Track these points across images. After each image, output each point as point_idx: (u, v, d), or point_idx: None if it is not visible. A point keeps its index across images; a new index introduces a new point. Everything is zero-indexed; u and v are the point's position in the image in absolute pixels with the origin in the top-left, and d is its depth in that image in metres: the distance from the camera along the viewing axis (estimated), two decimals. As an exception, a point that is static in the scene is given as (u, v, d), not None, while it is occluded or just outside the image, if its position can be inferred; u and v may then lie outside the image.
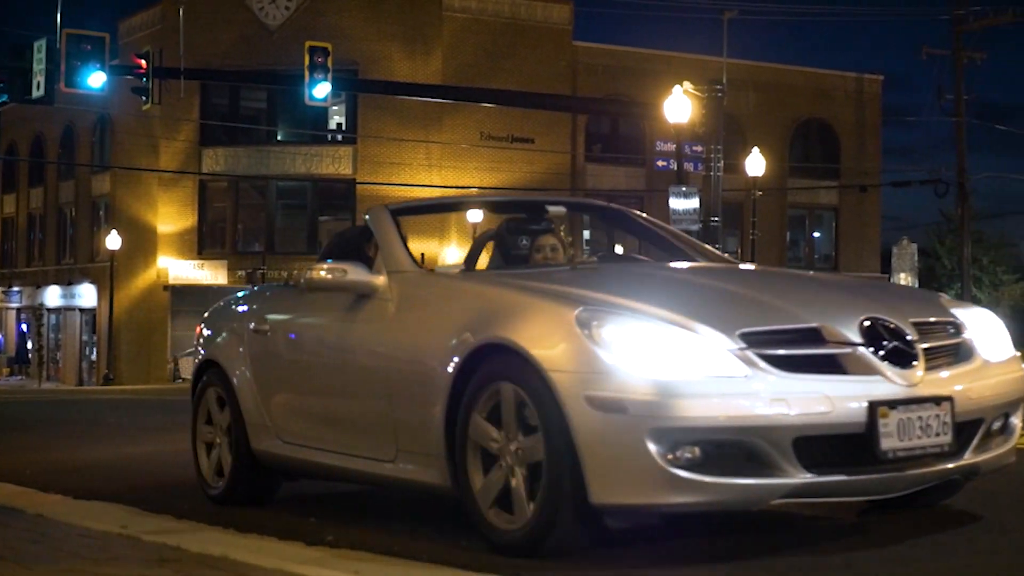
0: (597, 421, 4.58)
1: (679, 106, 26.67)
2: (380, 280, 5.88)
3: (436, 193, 42.61)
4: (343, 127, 44.71)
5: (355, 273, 5.90)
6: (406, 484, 5.63)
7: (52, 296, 53.17)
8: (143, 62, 26.88)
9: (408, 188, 42.38)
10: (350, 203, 43.36)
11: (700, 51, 46.28)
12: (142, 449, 10.98)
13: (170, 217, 43.96)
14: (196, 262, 43.96)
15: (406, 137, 41.94)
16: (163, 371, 44.11)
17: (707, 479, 4.52)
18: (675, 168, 28.28)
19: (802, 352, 4.73)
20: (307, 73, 28.09)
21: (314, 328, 6.42)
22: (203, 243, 44.33)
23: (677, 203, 26.21)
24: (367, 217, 6.48)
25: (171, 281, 43.83)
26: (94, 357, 49.15)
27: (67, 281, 51.54)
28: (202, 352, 7.28)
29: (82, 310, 50.51)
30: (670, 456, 4.51)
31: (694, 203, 26.22)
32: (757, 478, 4.57)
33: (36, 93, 26.51)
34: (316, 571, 4.39)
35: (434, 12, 43.57)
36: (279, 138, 44.56)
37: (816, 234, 51.55)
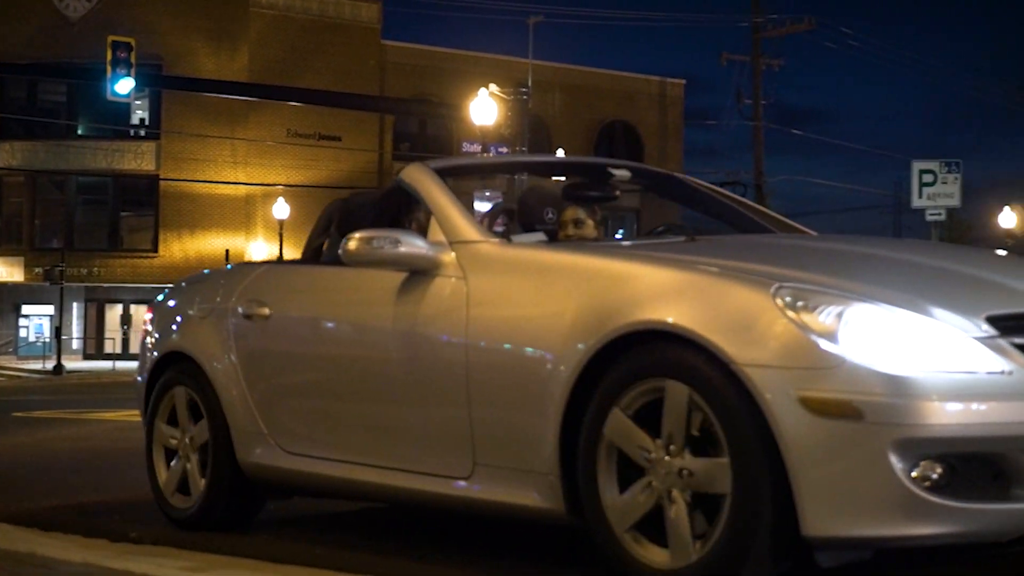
0: (819, 430, 3.53)
1: (485, 108, 26.94)
2: (447, 254, 4.72)
3: (242, 191, 42.26)
4: (146, 122, 43.89)
5: (410, 244, 4.73)
6: (484, 506, 4.49)
7: None
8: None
9: (213, 185, 41.95)
10: (153, 199, 42.70)
11: (508, 53, 46.75)
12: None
13: (-36, 212, 42.62)
14: (-9, 259, 42.67)
15: (211, 133, 41.40)
16: (-44, 371, 42.66)
17: (958, 504, 3.52)
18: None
19: None
20: (109, 68, 27.62)
21: (344, 313, 5.21)
22: (-1, 239, 43.07)
23: (481, 205, 26.49)
24: (402, 179, 5.23)
25: (-35, 278, 42.48)
26: None
27: None
28: (159, 342, 6.12)
29: None
30: (914, 475, 3.52)
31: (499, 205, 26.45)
32: (1011, 502, 3.58)
33: None
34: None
35: (241, 8, 43.08)
36: (80, 132, 43.51)
37: (618, 235, 52.41)
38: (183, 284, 6.51)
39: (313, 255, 5.90)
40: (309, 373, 5.29)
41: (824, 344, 3.58)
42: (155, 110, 42.95)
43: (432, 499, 4.72)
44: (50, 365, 42.01)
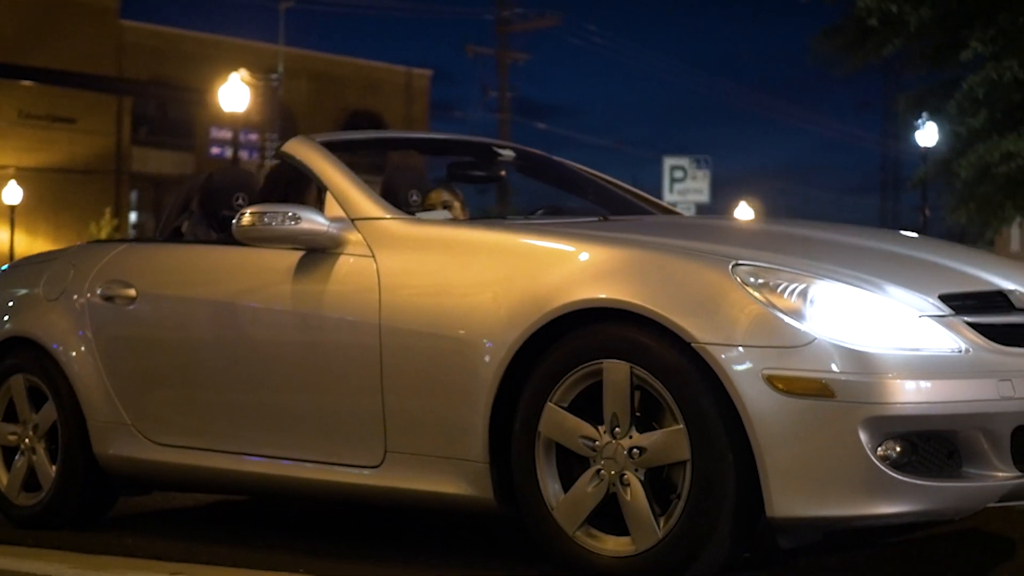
0: (787, 409, 3.48)
1: (236, 94, 26.33)
2: (351, 232, 4.44)
3: (-31, 173, 40.28)
4: None
5: (311, 220, 4.42)
6: (397, 495, 4.28)
7: None
8: None
9: (-62, 166, 39.84)
10: None
11: (254, 38, 45.89)
12: None
13: None
14: None
15: (-66, 113, 39.34)
16: None
17: (919, 482, 3.53)
18: (230, 155, 27.92)
19: (1014, 321, 3.81)
20: None
21: (228, 295, 4.79)
22: None
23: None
24: (288, 154, 4.89)
25: None
26: None
27: None
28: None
29: None
30: (880, 453, 3.51)
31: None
32: (969, 480, 3.62)
33: None
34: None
35: (-32, -20, 41.04)
36: None
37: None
38: (17, 267, 6.08)
39: (172, 235, 5.51)
40: (185, 358, 4.88)
41: (791, 322, 3.54)
42: None
43: (336, 489, 4.44)
44: None
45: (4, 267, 6.28)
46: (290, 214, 4.41)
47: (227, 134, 28.40)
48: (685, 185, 23.41)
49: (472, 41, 47.05)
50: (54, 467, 5.24)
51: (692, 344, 3.57)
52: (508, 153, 5.69)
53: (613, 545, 3.74)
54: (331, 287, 4.42)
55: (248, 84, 26.92)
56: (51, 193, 40.63)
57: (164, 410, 4.99)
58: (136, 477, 5.17)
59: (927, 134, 30.77)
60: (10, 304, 5.63)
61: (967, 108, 15.90)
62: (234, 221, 4.54)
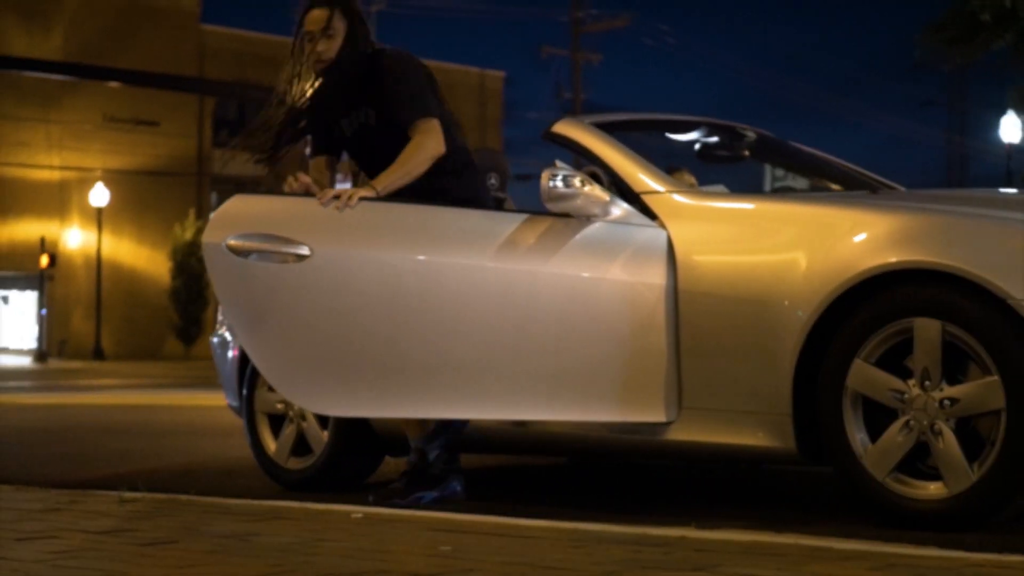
0: None
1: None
2: (634, 204, 4.70)
3: (56, 176, 40.97)
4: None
5: (597, 189, 4.61)
6: (697, 449, 4.53)
7: None
8: None
9: (28, 168, 40.55)
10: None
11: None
12: None
13: None
14: None
15: (24, 116, 40.01)
16: None
17: None
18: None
19: None
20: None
21: (509, 262, 4.66)
22: None
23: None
24: (559, 134, 5.08)
25: None
26: None
27: None
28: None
29: None
30: None
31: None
32: None
33: None
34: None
35: (54, -14, 41.74)
36: None
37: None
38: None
39: None
40: (441, 322, 4.70)
41: None
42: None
43: (629, 446, 4.72)
44: None
45: None
46: (579, 180, 4.55)
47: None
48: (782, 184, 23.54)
49: (544, 42, 47.41)
50: (325, 432, 5.50)
51: (1007, 300, 3.87)
52: (751, 135, 5.96)
53: (924, 490, 4.03)
54: (615, 254, 4.59)
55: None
56: (136, 195, 41.29)
57: (414, 372, 4.78)
58: (404, 438, 5.21)
59: (1012, 129, 30.84)
60: None
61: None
62: (543, 184, 4.55)
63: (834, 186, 5.87)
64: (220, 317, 6.35)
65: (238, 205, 4.96)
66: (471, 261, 4.68)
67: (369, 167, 5.09)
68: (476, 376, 4.67)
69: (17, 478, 5.86)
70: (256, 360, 4.86)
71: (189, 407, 13.18)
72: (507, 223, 4.73)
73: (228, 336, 6.20)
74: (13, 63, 35.50)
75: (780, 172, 6.35)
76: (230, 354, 6.14)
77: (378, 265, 4.71)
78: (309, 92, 5.02)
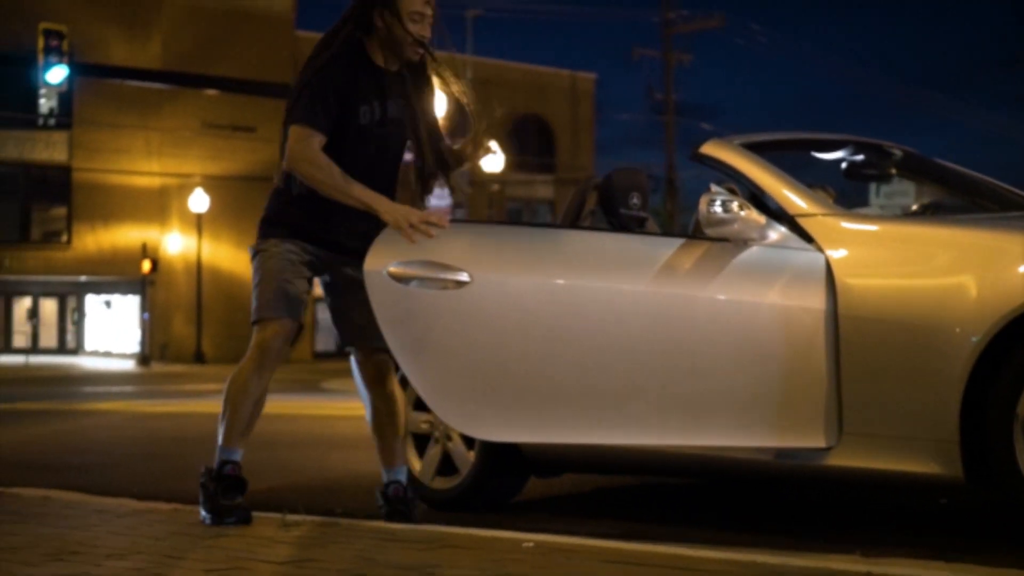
0: None
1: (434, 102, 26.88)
2: (788, 226, 4.73)
3: (156, 182, 41.61)
4: (55, 111, 42.93)
5: (752, 213, 4.66)
6: (856, 476, 4.50)
7: None
8: None
9: (128, 175, 41.23)
10: (65, 191, 41.77)
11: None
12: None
13: None
14: None
15: (125, 123, 40.67)
16: None
17: None
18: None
19: None
20: (41, 56, 27.17)
21: (652, 286, 4.70)
22: (-97, 230, 41.85)
23: (433, 199, 26.42)
24: (709, 155, 5.15)
25: None
26: None
27: None
28: None
29: None
30: None
31: (446, 200, 26.49)
32: None
33: None
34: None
35: (153, -5, 42.40)
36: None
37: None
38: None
39: None
40: (596, 347, 4.73)
41: None
42: (66, 99, 42.03)
43: (783, 470, 4.68)
44: (-41, 359, 41.07)
45: None
46: (736, 204, 4.63)
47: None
48: (891, 188, 23.32)
49: (636, 43, 47.29)
50: (471, 452, 5.58)
51: None
52: (897, 153, 5.92)
53: None
54: (770, 278, 4.59)
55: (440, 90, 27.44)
56: (234, 200, 41.79)
57: (573, 396, 4.83)
58: (552, 459, 5.43)
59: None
60: None
61: None
62: (700, 211, 4.65)
63: (986, 205, 5.79)
64: None
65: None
66: (627, 286, 4.73)
67: (373, 162, 4.88)
68: (635, 400, 4.69)
69: (155, 493, 6.01)
70: (416, 384, 4.88)
71: (304, 416, 13.33)
72: (664, 247, 4.78)
73: None
74: (114, 72, 36.06)
75: (925, 190, 6.14)
76: None
77: (536, 290, 4.77)
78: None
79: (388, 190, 4.89)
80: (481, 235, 4.95)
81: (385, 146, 4.91)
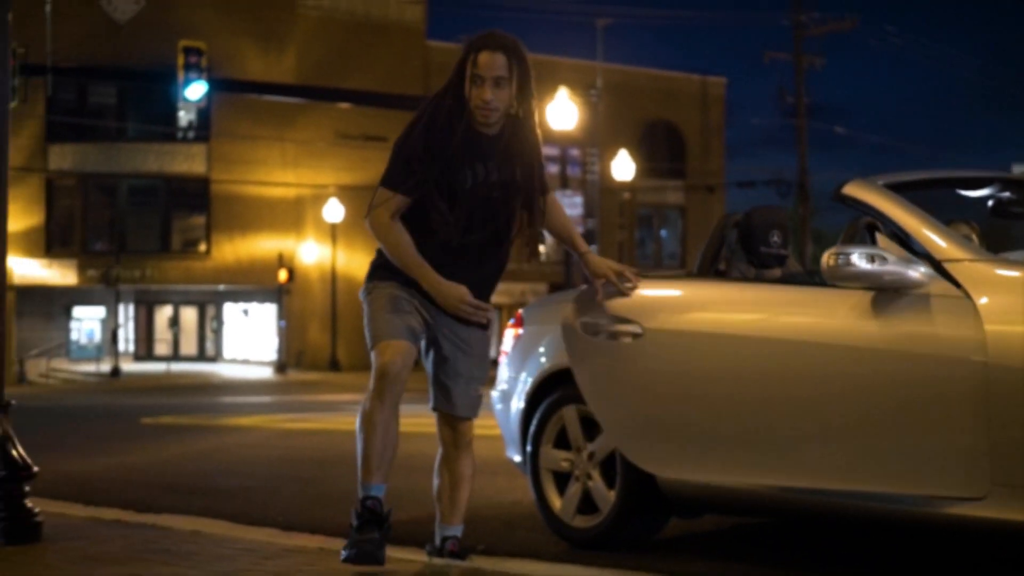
0: None
1: (563, 111, 27.07)
2: (937, 272, 4.70)
3: (292, 192, 42.38)
4: (193, 124, 43.96)
5: (900, 262, 4.67)
6: (1008, 528, 4.41)
7: None
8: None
9: (264, 186, 42.06)
10: (204, 201, 42.78)
11: (551, 51, 46.75)
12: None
13: (14, 215, 42.53)
14: (43, 261, 42.77)
15: (260, 135, 41.48)
16: (8, 373, 42.73)
17: None
18: (555, 172, 28.69)
19: None
20: (181, 73, 27.77)
21: (794, 333, 4.97)
22: (51, 242, 43.14)
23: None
24: (854, 197, 5.09)
25: (16, 281, 42.52)
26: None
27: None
28: (537, 362, 6.08)
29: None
30: None
31: (578, 208, 26.71)
32: None
33: None
34: None
35: (287, 9, 43.14)
36: (129, 135, 43.61)
37: (663, 233, 52.55)
38: (557, 300, 6.38)
39: (712, 273, 5.82)
40: (751, 392, 5.04)
41: None
42: (204, 112, 43.03)
43: (926, 520, 4.63)
44: (104, 367, 42.25)
45: (533, 303, 6.77)
46: (879, 256, 4.64)
47: (551, 150, 29.13)
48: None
49: (766, 47, 46.87)
50: (612, 491, 5.62)
51: None
52: None
53: None
54: (919, 326, 4.59)
55: (573, 101, 27.64)
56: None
57: (728, 439, 5.18)
58: (695, 501, 5.46)
59: None
60: (553, 338, 5.95)
61: None
62: (824, 262, 4.74)
63: None
64: (501, 372, 6.51)
65: (590, 291, 5.52)
66: (786, 335, 5.00)
67: (475, 221, 4.91)
68: (788, 446, 4.98)
69: (299, 523, 6.15)
70: (603, 425, 5.57)
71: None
72: (822, 297, 4.97)
73: (509, 390, 6.35)
74: (250, 87, 36.75)
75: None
76: (513, 410, 6.27)
77: (705, 341, 5.24)
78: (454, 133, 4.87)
79: (499, 250, 5.02)
80: (654, 289, 5.53)
81: (493, 208, 4.94)
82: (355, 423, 4.88)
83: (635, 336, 5.40)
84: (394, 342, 4.80)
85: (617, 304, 5.44)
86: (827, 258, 4.75)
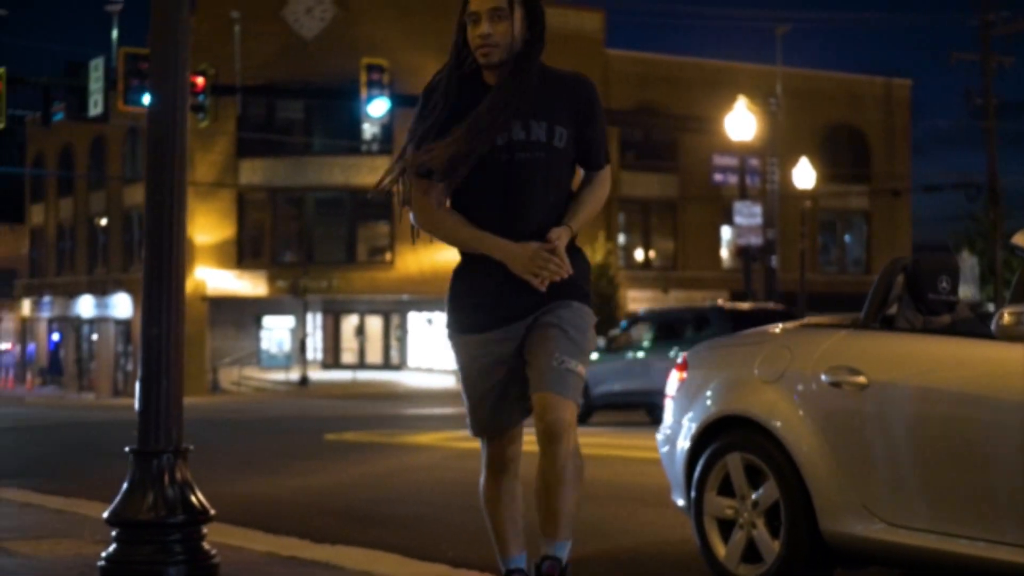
0: None
1: (742, 121, 26.90)
2: None
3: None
4: (377, 137, 44.84)
5: None
6: None
7: (85, 306, 53.25)
8: (200, 79, 26.97)
9: (446, 198, 42.62)
10: (387, 213, 43.56)
11: (729, 57, 46.44)
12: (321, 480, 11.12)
13: (208, 228, 44.08)
14: (235, 273, 44.13)
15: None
16: (202, 382, 44.23)
17: None
18: (734, 182, 28.52)
19: None
20: (364, 90, 28.42)
21: (971, 387, 5.01)
22: (242, 254, 44.50)
23: (743, 219, 26.48)
24: (1020, 244, 5.09)
25: (209, 292, 43.96)
26: (129, 367, 49.32)
27: (101, 291, 51.64)
28: (704, 407, 5.99)
29: (116, 321, 50.61)
30: None
31: (757, 218, 26.51)
32: None
33: (93, 111, 26.84)
34: None
35: (468, 22, 43.64)
36: (315, 149, 44.71)
37: (847, 238, 51.73)
38: (719, 347, 6.39)
39: (882, 320, 5.76)
40: (927, 446, 5.05)
41: None
42: (387, 126, 43.82)
43: None
44: (293, 376, 43.40)
45: (698, 347, 6.63)
46: None
47: (730, 160, 28.97)
48: None
49: (952, 46, 45.80)
50: (776, 541, 5.58)
51: None
52: None
53: None
54: None
55: (752, 110, 27.45)
56: (547, 219, 42.61)
57: (903, 494, 5.13)
58: (862, 554, 5.40)
59: None
60: (720, 383, 5.93)
61: None
62: (996, 320, 4.79)
63: None
64: (666, 416, 6.54)
65: (835, 341, 5.57)
66: (993, 394, 4.93)
67: (498, 192, 4.36)
68: (986, 505, 4.90)
69: (469, 559, 6.28)
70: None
71: (610, 458, 13.46)
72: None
73: (673, 434, 6.31)
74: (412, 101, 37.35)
75: None
76: (677, 454, 6.23)
77: (923, 395, 5.17)
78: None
79: (547, 216, 4.38)
80: (882, 340, 5.49)
81: (520, 171, 4.34)
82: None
83: (862, 387, 5.34)
84: (490, 438, 4.48)
85: (848, 353, 5.46)
86: (1004, 317, 4.73)
